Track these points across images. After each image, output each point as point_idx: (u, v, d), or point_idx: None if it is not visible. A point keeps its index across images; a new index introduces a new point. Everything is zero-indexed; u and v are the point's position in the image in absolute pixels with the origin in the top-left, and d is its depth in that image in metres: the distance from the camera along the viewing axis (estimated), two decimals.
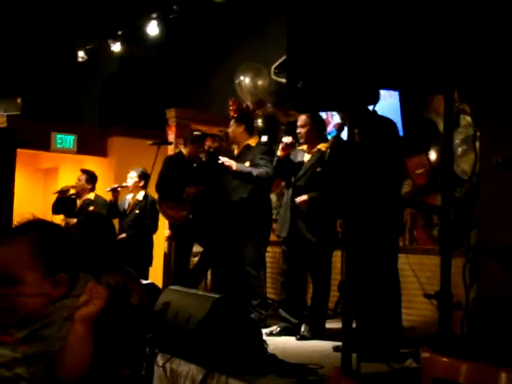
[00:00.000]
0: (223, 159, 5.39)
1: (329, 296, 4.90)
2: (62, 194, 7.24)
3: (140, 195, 6.74)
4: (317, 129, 4.92)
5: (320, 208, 4.76)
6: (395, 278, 4.14)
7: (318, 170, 4.79)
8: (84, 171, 7.34)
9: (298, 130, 4.93)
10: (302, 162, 4.93)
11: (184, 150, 6.16)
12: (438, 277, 2.59)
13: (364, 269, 3.98)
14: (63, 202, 7.20)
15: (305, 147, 5.00)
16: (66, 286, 1.77)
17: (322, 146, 4.87)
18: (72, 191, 7.28)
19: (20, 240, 1.72)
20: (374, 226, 3.97)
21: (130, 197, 6.94)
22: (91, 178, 7.25)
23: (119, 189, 6.86)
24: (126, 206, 6.87)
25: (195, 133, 6.25)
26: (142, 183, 6.79)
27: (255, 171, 5.26)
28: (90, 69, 9.06)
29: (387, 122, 4.28)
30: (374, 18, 2.64)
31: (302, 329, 4.81)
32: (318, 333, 4.74)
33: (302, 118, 4.92)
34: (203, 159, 6.05)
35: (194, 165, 6.00)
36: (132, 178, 6.86)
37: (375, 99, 2.82)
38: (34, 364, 1.65)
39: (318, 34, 2.65)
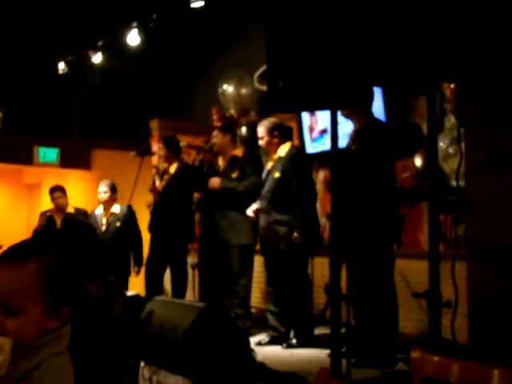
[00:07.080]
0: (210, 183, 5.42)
1: (311, 302, 4.82)
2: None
3: (115, 208, 6.47)
4: (275, 137, 4.95)
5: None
6: (390, 283, 4.05)
7: (277, 175, 4.82)
8: (58, 187, 6.93)
9: (259, 142, 5.06)
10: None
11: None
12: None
13: (355, 273, 3.92)
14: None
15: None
16: (65, 319, 1.48)
17: (281, 152, 4.93)
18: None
19: (26, 264, 1.42)
20: (369, 230, 3.92)
21: (100, 211, 6.55)
22: (65, 191, 6.92)
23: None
24: (101, 222, 6.45)
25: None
26: (113, 195, 6.49)
27: (240, 186, 5.25)
28: (71, 81, 8.98)
29: (381, 124, 4.26)
30: (355, 15, 2.60)
31: (290, 337, 4.75)
32: (307, 340, 4.67)
33: (258, 131, 5.05)
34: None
35: None
36: (104, 191, 6.49)
37: (359, 98, 2.78)
38: None
39: (298, 32, 2.60)
